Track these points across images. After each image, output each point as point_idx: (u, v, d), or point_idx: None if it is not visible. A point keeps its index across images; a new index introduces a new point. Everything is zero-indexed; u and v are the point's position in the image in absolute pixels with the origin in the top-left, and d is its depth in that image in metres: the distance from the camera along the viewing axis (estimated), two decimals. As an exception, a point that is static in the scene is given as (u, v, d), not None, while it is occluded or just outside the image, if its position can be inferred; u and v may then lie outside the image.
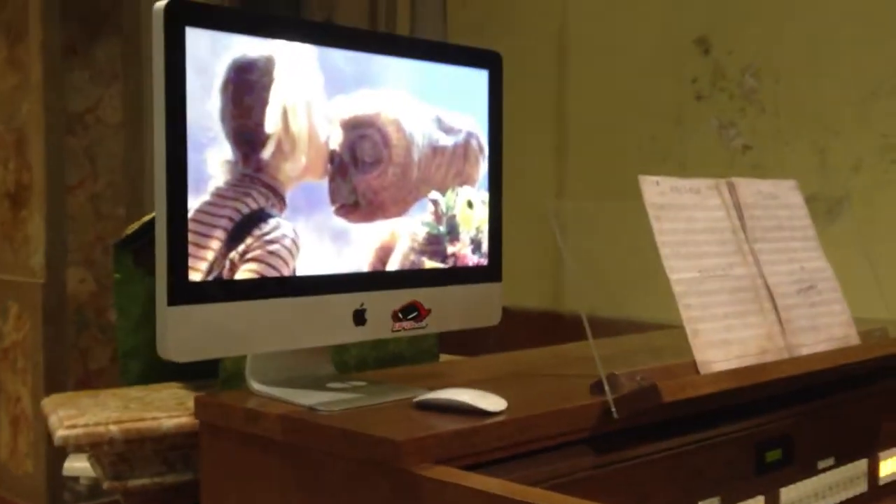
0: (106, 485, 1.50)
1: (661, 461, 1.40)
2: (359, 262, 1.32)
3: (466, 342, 1.97)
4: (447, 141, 1.47)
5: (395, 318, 1.36)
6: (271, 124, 1.24)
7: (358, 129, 1.36)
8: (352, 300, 1.31)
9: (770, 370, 1.46)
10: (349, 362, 1.78)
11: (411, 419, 1.22)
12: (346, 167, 1.35)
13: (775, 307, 1.61)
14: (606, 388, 1.32)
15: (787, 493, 1.60)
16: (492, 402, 1.25)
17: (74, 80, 4.30)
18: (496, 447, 1.20)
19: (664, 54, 3.70)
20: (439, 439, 1.14)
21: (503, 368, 1.61)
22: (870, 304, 2.35)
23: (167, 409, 1.51)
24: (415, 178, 1.43)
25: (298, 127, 1.28)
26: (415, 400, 1.28)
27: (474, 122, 1.51)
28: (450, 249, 1.45)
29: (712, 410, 1.49)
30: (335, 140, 1.33)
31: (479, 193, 1.52)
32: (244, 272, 1.21)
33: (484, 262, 1.50)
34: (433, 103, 1.43)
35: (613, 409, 1.31)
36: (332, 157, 1.32)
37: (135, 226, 1.77)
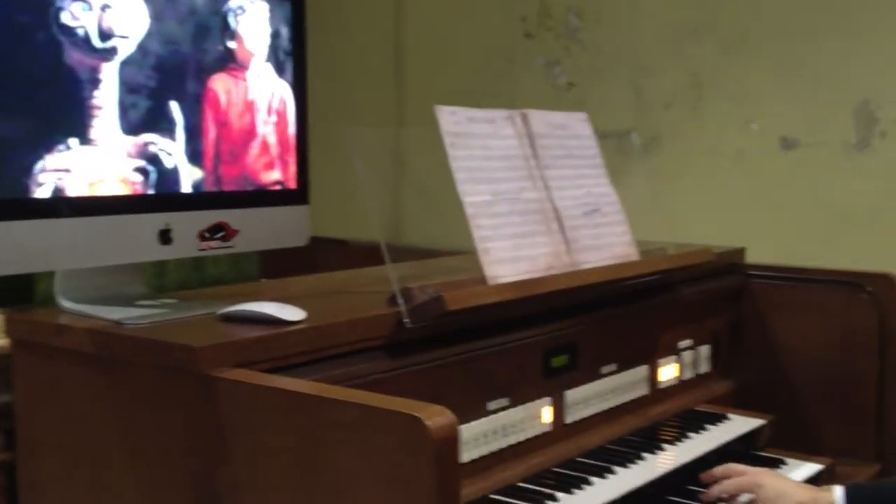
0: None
1: (454, 365, 1.54)
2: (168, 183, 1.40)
3: (299, 272, 2.05)
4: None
5: (202, 237, 1.44)
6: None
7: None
8: (157, 220, 1.38)
9: (548, 282, 1.62)
10: (169, 286, 1.85)
11: (214, 329, 1.32)
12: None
13: (562, 228, 1.77)
14: (400, 300, 1.45)
15: (572, 394, 1.78)
16: (291, 313, 1.35)
17: None
18: (295, 353, 1.30)
19: (496, -8, 3.81)
20: (238, 345, 1.24)
21: (312, 287, 1.72)
22: (672, 230, 2.58)
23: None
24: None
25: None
26: (218, 312, 1.37)
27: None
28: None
29: (503, 320, 1.64)
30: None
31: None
32: (41, 192, 1.26)
33: (291, 185, 1.60)
34: None
35: (406, 319, 1.44)
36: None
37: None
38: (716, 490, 1.66)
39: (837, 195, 2.97)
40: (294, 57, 1.56)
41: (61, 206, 1.26)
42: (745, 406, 2.10)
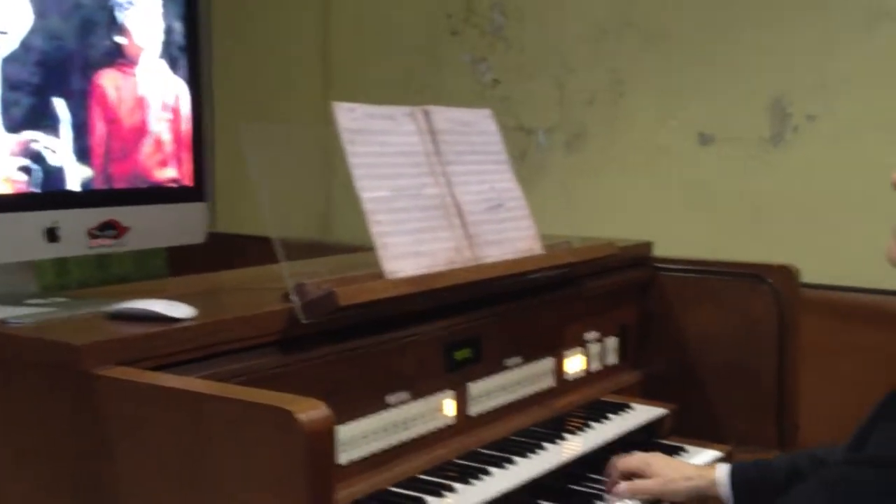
0: None
1: (352, 360, 1.56)
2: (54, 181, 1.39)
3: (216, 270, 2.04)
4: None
5: (92, 235, 1.44)
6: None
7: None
8: (43, 218, 1.37)
9: (447, 277, 1.64)
10: (70, 285, 1.84)
11: (99, 327, 1.31)
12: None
13: (464, 223, 1.79)
14: (293, 296, 1.45)
15: (476, 387, 1.80)
16: (180, 310, 1.36)
17: None
18: (182, 350, 1.31)
19: (422, -11, 3.82)
20: (121, 343, 1.24)
21: (212, 284, 1.72)
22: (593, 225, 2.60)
23: None
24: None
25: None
26: (106, 311, 1.37)
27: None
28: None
29: (403, 314, 1.65)
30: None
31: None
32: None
33: (187, 182, 1.60)
34: None
35: (301, 314, 1.45)
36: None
37: None
38: (614, 475, 1.71)
39: (753, 189, 3.04)
40: (188, 53, 1.55)
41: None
42: (653, 396, 2.15)
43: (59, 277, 1.74)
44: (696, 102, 3.24)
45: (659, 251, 2.34)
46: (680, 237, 2.86)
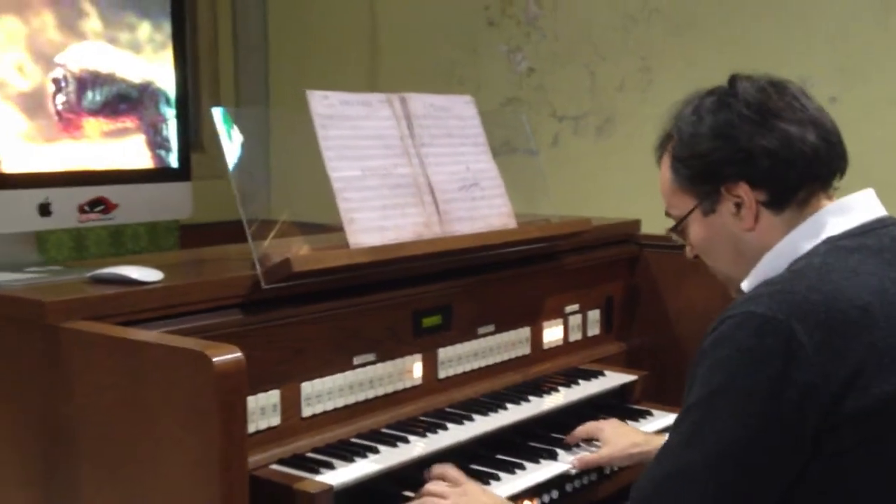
0: None
1: (319, 322, 1.72)
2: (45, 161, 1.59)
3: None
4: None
5: (82, 210, 1.63)
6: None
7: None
8: (36, 195, 1.58)
9: (407, 248, 1.78)
10: (88, 259, 2.05)
11: (75, 289, 1.50)
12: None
13: (435, 201, 1.93)
14: (256, 263, 1.62)
15: (445, 352, 1.94)
16: (149, 275, 1.54)
17: None
18: (147, 309, 1.49)
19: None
20: (87, 301, 1.43)
21: (195, 257, 1.91)
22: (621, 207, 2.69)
23: None
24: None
25: None
26: (87, 275, 1.56)
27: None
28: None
29: (373, 282, 1.80)
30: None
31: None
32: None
33: (173, 164, 1.78)
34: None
35: (261, 279, 1.61)
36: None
37: None
38: (569, 438, 1.84)
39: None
40: (174, 41, 1.74)
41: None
42: (635, 365, 2.26)
43: (76, 252, 1.95)
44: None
45: None
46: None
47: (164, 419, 1.27)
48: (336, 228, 2.27)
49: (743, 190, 1.40)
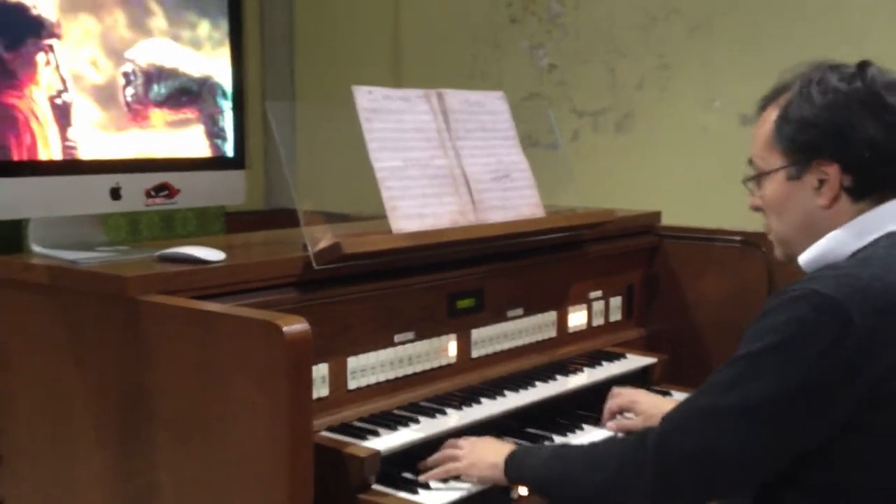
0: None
1: (363, 301, 1.85)
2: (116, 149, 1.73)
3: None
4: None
5: (148, 195, 1.77)
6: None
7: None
8: (108, 180, 1.71)
9: (445, 234, 1.91)
10: (142, 241, 2.19)
11: (148, 266, 1.64)
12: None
13: (470, 191, 2.06)
14: (308, 245, 1.75)
15: (478, 333, 2.07)
16: (213, 255, 1.67)
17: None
18: (213, 285, 1.62)
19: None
20: (160, 277, 1.56)
21: (249, 240, 2.04)
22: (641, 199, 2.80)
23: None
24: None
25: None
26: (156, 254, 1.70)
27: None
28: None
29: (412, 266, 1.93)
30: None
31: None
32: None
33: (229, 154, 1.92)
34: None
35: (313, 260, 1.75)
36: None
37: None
38: (606, 412, 1.97)
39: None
40: (231, 38, 1.88)
41: (30, 167, 1.60)
42: (654, 349, 2.38)
43: (131, 235, 2.09)
44: (737, 85, 3.42)
45: (704, 225, 2.52)
46: (719, 212, 3.06)
47: (236, 383, 1.41)
48: (360, 218, 2.40)
49: (834, 170, 1.45)
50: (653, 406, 1.94)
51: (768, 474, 1.41)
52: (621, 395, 1.98)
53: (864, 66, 1.48)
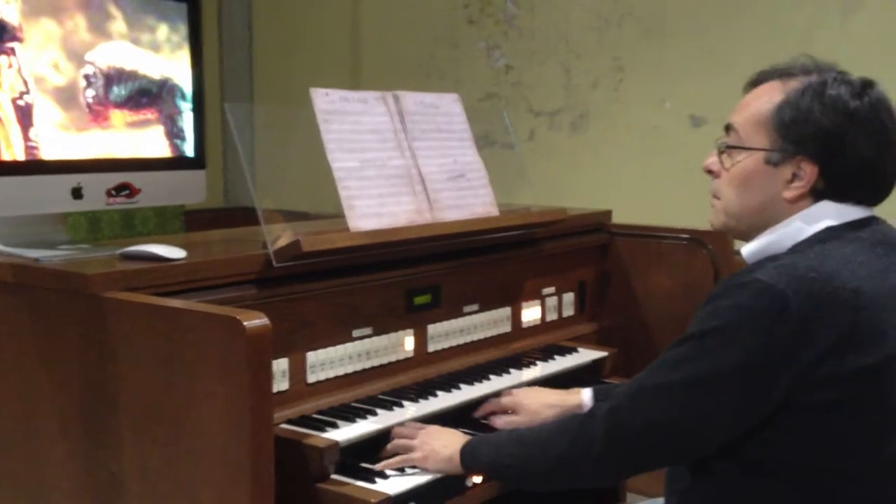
0: None
1: (321, 298, 1.90)
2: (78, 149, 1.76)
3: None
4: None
5: (110, 194, 1.81)
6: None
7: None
8: (70, 180, 1.75)
9: (401, 232, 1.97)
10: (102, 240, 2.22)
11: (109, 263, 1.68)
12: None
13: (426, 190, 2.12)
14: (268, 243, 1.80)
15: (435, 328, 2.13)
16: (174, 252, 1.71)
17: None
18: (173, 283, 1.66)
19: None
20: (122, 274, 1.60)
21: (208, 238, 2.09)
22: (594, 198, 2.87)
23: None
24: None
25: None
26: (118, 252, 1.74)
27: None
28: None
29: (370, 263, 1.98)
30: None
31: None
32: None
33: (189, 154, 1.96)
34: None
35: (273, 258, 1.79)
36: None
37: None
38: (488, 407, 2.00)
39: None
40: (190, 42, 1.92)
41: None
42: (605, 343, 2.46)
43: (92, 234, 2.12)
44: (688, 87, 3.52)
45: (655, 222, 2.59)
46: (669, 209, 3.14)
47: (198, 376, 1.45)
48: (319, 216, 2.45)
49: (812, 170, 1.51)
50: (532, 401, 1.95)
51: (712, 446, 1.50)
52: (503, 400, 1.99)
53: (870, 84, 1.53)
